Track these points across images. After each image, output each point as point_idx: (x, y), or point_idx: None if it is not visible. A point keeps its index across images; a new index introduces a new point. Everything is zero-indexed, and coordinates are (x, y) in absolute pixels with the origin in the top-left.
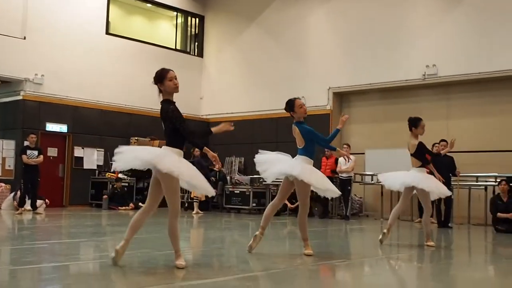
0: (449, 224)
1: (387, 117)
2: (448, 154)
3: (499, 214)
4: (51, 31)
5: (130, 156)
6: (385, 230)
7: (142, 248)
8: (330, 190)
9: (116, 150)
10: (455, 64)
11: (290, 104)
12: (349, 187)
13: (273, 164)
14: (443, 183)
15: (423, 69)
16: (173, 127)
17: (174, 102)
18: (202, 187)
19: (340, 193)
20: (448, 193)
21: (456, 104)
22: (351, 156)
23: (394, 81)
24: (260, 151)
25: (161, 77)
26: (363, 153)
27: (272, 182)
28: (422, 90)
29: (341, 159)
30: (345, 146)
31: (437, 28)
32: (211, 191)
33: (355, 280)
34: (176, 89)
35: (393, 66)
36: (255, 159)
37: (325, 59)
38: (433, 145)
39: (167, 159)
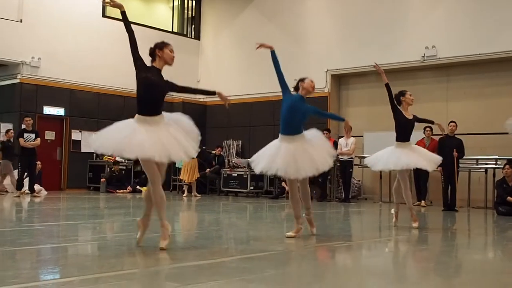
0: (455, 208)
1: (385, 99)
2: (456, 135)
3: (508, 198)
4: (47, 14)
5: (105, 143)
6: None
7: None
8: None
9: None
10: (454, 46)
11: (301, 79)
12: (350, 170)
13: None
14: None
15: (423, 51)
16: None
17: (156, 69)
18: (174, 154)
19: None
20: (438, 159)
21: (456, 86)
22: (351, 138)
23: (393, 63)
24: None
25: (162, 45)
26: (362, 136)
27: None
28: (421, 72)
29: (341, 141)
30: (345, 129)
31: (436, 9)
32: (189, 153)
33: (353, 262)
34: (171, 60)
35: (391, 48)
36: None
37: (322, 41)
38: (424, 129)
39: (132, 145)
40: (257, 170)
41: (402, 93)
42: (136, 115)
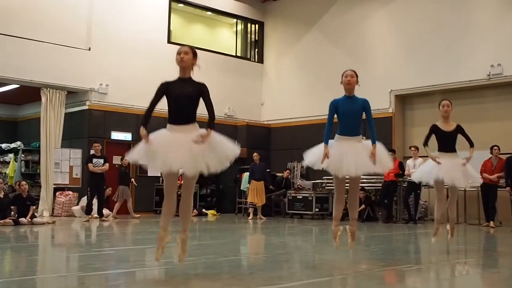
0: None
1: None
2: None
3: None
4: (114, 41)
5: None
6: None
7: (207, 254)
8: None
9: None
10: None
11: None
12: (419, 191)
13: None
14: None
15: (488, 69)
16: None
17: (179, 78)
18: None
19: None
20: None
21: None
22: (419, 159)
23: (457, 82)
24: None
25: (176, 53)
26: (427, 156)
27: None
28: (487, 91)
29: (409, 162)
30: (412, 149)
31: (501, 27)
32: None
33: (423, 286)
34: (179, 62)
35: (456, 67)
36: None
37: (386, 61)
38: (491, 148)
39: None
40: (305, 162)
41: (439, 104)
42: (167, 124)
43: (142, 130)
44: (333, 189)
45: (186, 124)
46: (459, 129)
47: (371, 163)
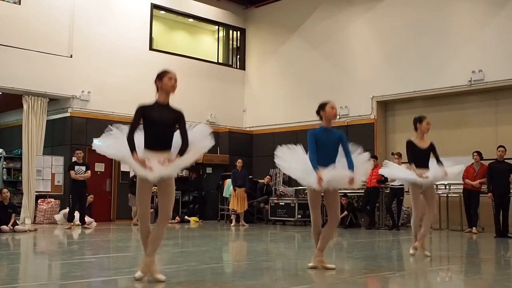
0: (508, 234)
1: (432, 125)
2: (506, 160)
3: None
4: (96, 48)
5: (114, 146)
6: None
7: (189, 261)
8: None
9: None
10: (502, 69)
11: (322, 105)
12: (401, 197)
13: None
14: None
15: (469, 75)
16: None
17: (157, 102)
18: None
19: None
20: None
21: (505, 109)
22: (402, 165)
23: (439, 88)
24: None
25: (162, 75)
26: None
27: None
28: (469, 97)
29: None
30: (396, 156)
31: (482, 33)
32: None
33: None
34: (172, 88)
35: (438, 73)
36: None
37: (367, 68)
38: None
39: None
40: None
41: (420, 120)
42: (143, 149)
43: (136, 156)
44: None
45: (163, 150)
46: (432, 147)
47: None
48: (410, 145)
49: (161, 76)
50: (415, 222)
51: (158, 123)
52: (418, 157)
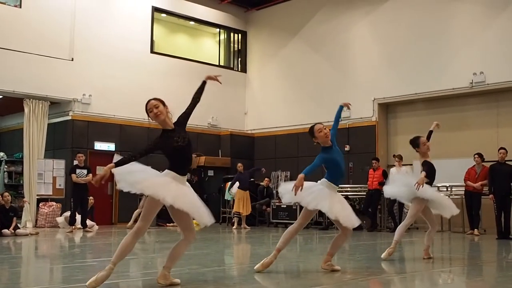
0: (510, 236)
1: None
2: (507, 162)
3: None
4: (97, 51)
5: (128, 181)
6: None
7: (190, 264)
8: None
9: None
10: (503, 71)
11: (310, 131)
12: None
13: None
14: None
15: (470, 77)
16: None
17: (168, 130)
18: (197, 213)
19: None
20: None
21: (506, 111)
22: (403, 167)
23: (440, 90)
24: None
25: (146, 107)
26: (411, 164)
27: None
28: (470, 99)
29: (392, 170)
30: (396, 159)
31: (483, 35)
32: (205, 221)
33: None
34: (156, 118)
35: (439, 75)
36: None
37: (369, 70)
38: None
39: (153, 183)
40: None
41: (417, 144)
42: (167, 170)
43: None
44: None
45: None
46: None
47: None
48: (430, 166)
49: (146, 109)
50: (403, 228)
51: (184, 148)
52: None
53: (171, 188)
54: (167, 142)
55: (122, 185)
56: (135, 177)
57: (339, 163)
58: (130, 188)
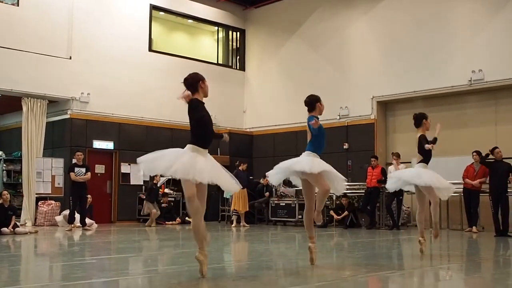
0: (508, 233)
1: (433, 125)
2: (504, 159)
3: None
4: (95, 50)
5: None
6: (420, 239)
7: (190, 262)
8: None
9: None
10: (501, 69)
11: (315, 98)
12: (401, 197)
13: (279, 167)
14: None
15: (469, 75)
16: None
17: (203, 103)
18: (224, 183)
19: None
20: (451, 187)
21: (505, 109)
22: (401, 165)
23: (439, 88)
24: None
25: (203, 77)
26: (410, 162)
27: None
28: (469, 96)
29: (390, 168)
30: (394, 157)
31: (481, 33)
32: (233, 188)
33: None
34: (207, 92)
35: (437, 73)
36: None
37: (367, 68)
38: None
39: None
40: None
41: (426, 117)
42: (190, 145)
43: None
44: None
45: (207, 148)
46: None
47: None
48: (425, 138)
49: (204, 79)
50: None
51: (210, 121)
52: (428, 153)
53: (197, 165)
54: (206, 112)
55: (147, 172)
56: (161, 163)
57: (324, 133)
58: (155, 173)
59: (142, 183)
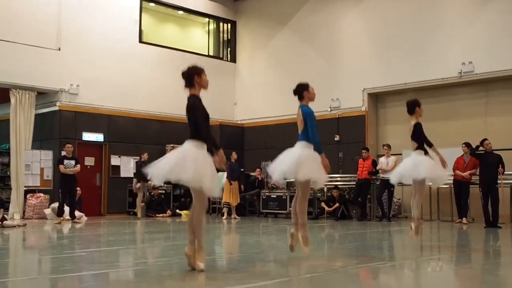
0: (498, 224)
1: (423, 116)
2: (494, 151)
3: None
4: (84, 41)
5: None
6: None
7: (180, 254)
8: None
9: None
10: (491, 61)
11: (304, 86)
12: (392, 189)
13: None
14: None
15: (459, 67)
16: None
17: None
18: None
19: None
20: (445, 177)
21: (495, 101)
22: (392, 157)
23: (429, 80)
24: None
25: (200, 71)
26: (401, 154)
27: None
28: (459, 88)
29: (381, 160)
30: (385, 148)
31: (472, 25)
32: (212, 192)
33: (397, 282)
34: (207, 85)
35: (428, 65)
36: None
37: (358, 60)
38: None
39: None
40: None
41: (419, 104)
42: (195, 142)
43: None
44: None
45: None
46: None
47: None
48: (421, 126)
49: (200, 73)
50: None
51: (208, 118)
52: (426, 138)
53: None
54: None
55: (159, 179)
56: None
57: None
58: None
59: (132, 176)
